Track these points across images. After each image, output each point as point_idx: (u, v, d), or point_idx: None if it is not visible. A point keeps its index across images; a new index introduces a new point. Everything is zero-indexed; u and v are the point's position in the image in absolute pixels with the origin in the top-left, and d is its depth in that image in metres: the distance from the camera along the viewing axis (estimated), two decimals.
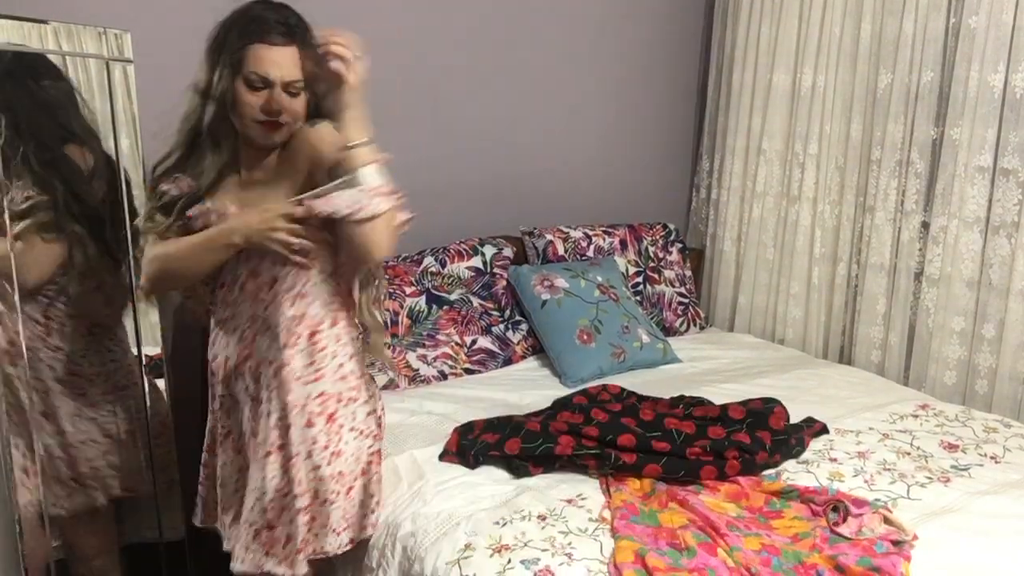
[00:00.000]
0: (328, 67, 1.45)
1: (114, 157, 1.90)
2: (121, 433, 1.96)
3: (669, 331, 2.92)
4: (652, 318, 2.84)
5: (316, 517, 1.59)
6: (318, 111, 1.54)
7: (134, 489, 2.00)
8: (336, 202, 1.44)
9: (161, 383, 2.07)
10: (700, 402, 2.16)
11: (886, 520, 1.62)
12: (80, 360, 1.88)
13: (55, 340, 1.83)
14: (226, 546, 1.67)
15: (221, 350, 1.61)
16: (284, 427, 1.56)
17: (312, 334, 1.57)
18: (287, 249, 1.49)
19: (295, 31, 1.47)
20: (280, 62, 1.45)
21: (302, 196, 1.50)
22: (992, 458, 1.94)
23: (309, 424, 1.57)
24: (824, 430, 2.07)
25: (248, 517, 1.59)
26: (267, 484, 1.57)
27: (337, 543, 1.62)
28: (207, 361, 1.68)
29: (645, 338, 2.61)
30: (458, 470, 1.86)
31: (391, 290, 2.43)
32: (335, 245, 1.57)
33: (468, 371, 2.48)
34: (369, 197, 1.44)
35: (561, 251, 2.79)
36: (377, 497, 1.70)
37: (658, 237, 3.02)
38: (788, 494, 1.74)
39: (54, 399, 1.84)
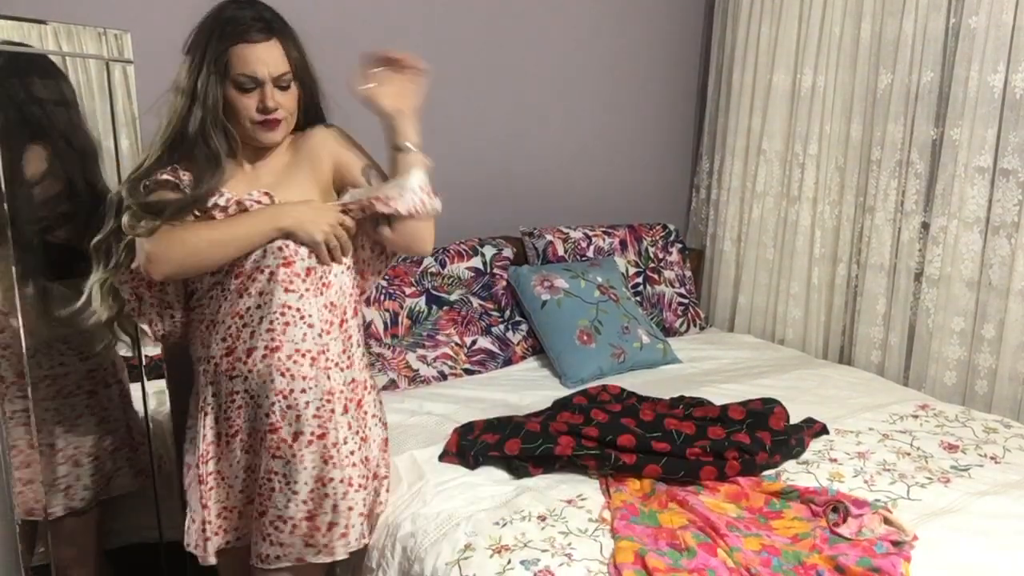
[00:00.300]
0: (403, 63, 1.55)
1: (113, 158, 1.89)
2: (48, 445, 1.87)
3: (669, 331, 2.92)
4: (652, 318, 2.84)
5: (352, 507, 1.60)
6: (310, 101, 1.57)
7: (35, 513, 1.86)
8: (395, 203, 1.52)
9: (161, 383, 2.07)
10: (700, 402, 2.16)
11: (886, 520, 1.61)
12: (28, 361, 1.82)
13: (4, 338, 1.77)
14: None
15: (243, 343, 1.55)
16: (324, 415, 1.56)
17: (341, 322, 1.59)
18: (329, 249, 1.53)
19: (272, 24, 1.47)
20: (265, 58, 1.45)
21: (357, 196, 1.55)
22: (992, 458, 1.94)
23: (345, 410, 1.59)
24: (824, 430, 2.07)
25: (284, 513, 1.57)
26: (308, 475, 1.56)
27: (359, 533, 1.62)
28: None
29: (645, 338, 2.61)
30: (458, 471, 1.86)
31: (391, 291, 2.43)
32: (359, 241, 1.64)
33: (468, 371, 2.48)
34: (427, 195, 1.54)
35: (561, 251, 2.79)
36: (387, 480, 1.74)
37: (658, 237, 3.02)
38: (788, 495, 1.74)
39: None
